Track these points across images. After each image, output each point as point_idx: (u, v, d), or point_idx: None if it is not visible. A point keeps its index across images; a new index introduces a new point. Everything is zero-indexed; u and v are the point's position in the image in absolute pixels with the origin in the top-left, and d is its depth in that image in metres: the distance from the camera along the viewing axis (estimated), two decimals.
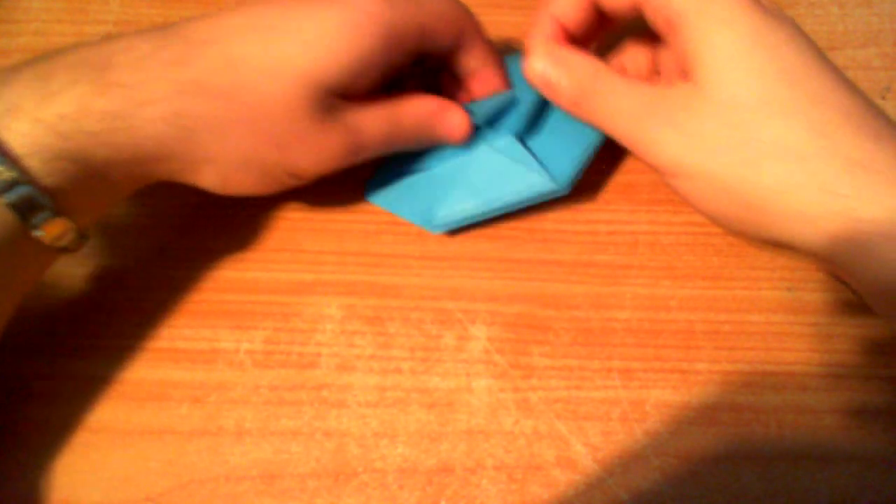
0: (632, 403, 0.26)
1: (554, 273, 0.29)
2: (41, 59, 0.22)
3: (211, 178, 0.25)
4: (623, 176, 0.31)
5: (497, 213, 0.28)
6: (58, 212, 0.22)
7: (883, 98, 0.33)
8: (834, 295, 0.28)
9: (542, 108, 0.29)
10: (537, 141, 0.29)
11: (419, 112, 0.27)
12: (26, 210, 0.21)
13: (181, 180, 0.25)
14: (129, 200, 0.30)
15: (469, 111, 0.28)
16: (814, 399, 0.26)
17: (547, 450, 0.25)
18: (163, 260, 0.29)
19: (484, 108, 0.29)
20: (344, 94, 0.25)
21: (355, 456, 0.25)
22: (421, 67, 0.30)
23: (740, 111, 0.23)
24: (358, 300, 0.28)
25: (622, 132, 0.25)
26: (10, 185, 0.20)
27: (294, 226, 0.30)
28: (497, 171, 0.28)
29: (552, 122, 0.29)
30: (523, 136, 0.29)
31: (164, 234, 0.29)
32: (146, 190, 0.26)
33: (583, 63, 0.26)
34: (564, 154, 0.28)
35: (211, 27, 0.23)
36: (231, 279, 0.28)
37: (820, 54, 0.23)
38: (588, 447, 0.25)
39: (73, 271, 0.28)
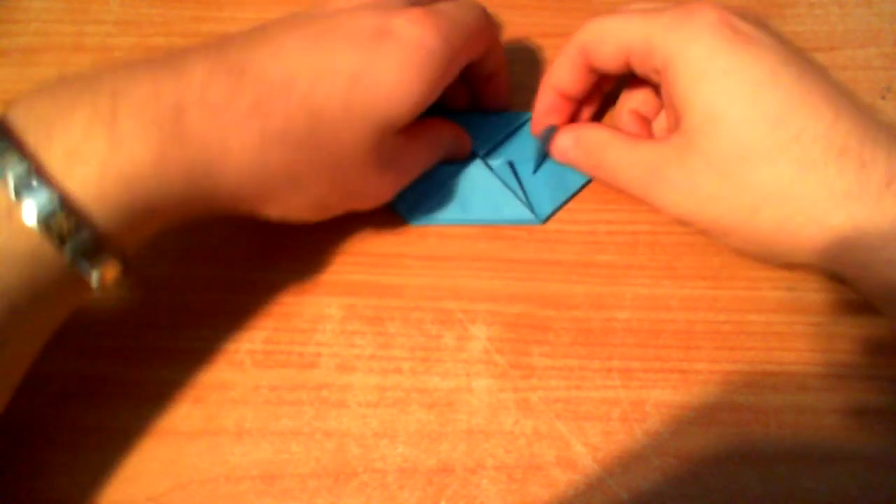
0: (632, 403, 0.26)
1: (554, 273, 0.29)
2: (87, 84, 0.20)
3: (272, 215, 0.25)
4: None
5: (472, 224, 0.30)
6: (112, 255, 0.21)
7: (883, 98, 0.33)
8: (834, 295, 0.28)
9: (528, 146, 0.31)
10: (527, 172, 0.31)
11: (447, 140, 0.29)
12: (86, 257, 0.20)
13: (241, 214, 0.24)
14: None
15: (471, 125, 0.31)
16: (814, 399, 0.26)
17: (547, 450, 0.25)
18: (162, 260, 0.29)
19: (484, 130, 0.31)
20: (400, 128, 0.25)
21: (355, 456, 0.25)
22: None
23: (729, 161, 0.23)
24: (358, 300, 0.28)
25: (635, 192, 0.27)
26: (72, 234, 0.19)
27: (294, 226, 0.30)
28: (483, 188, 0.30)
29: (546, 162, 0.31)
30: (515, 164, 0.31)
31: (164, 234, 0.29)
32: None
33: (594, 136, 0.28)
34: (549, 191, 0.30)
35: (286, 66, 0.22)
36: (231, 279, 0.28)
37: (801, 74, 0.23)
38: (588, 447, 0.25)
39: None
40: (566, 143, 0.29)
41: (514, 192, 0.30)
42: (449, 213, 0.30)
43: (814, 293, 0.28)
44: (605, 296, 0.28)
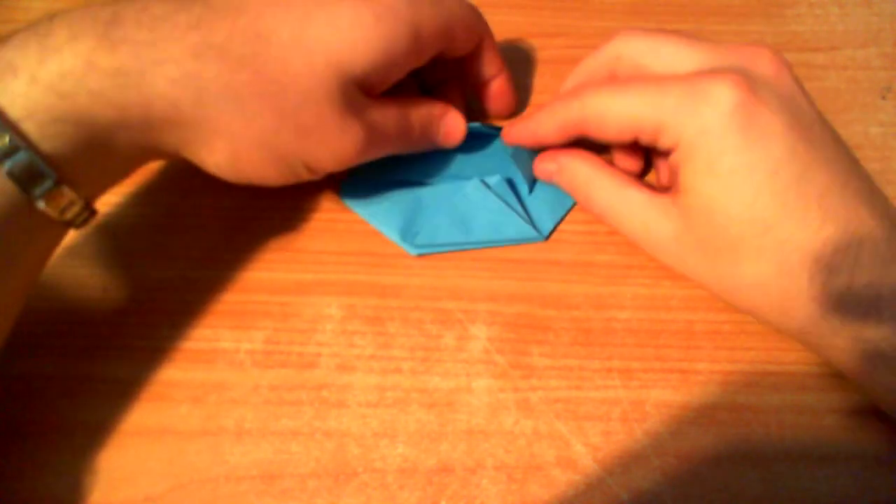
0: (632, 403, 0.26)
1: (554, 273, 0.29)
2: (42, 19, 0.20)
3: (222, 156, 0.23)
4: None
5: (475, 247, 0.29)
6: (60, 181, 0.20)
7: (883, 98, 0.33)
8: None
9: (525, 162, 0.30)
10: (525, 190, 0.30)
11: (427, 113, 0.28)
12: (27, 180, 0.19)
13: (190, 156, 0.23)
14: (127, 200, 0.30)
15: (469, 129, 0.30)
16: (814, 399, 0.26)
17: (547, 450, 0.25)
18: (162, 260, 0.29)
19: (483, 131, 0.30)
20: (365, 90, 0.25)
21: (355, 456, 0.25)
22: (419, 80, 0.30)
23: (718, 251, 0.25)
24: (358, 300, 0.28)
25: (616, 227, 0.28)
26: (8, 153, 0.19)
27: (294, 226, 0.30)
28: (484, 208, 0.29)
29: (533, 178, 0.30)
30: (514, 180, 0.30)
31: (163, 234, 0.29)
32: (146, 190, 0.25)
33: (577, 170, 0.28)
34: (548, 206, 0.30)
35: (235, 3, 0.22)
36: (231, 279, 0.28)
37: (803, 171, 0.23)
38: (588, 447, 0.25)
39: (74, 272, 0.28)
40: (550, 167, 0.29)
41: (515, 210, 0.29)
42: (452, 237, 0.29)
43: None
44: (605, 296, 0.28)
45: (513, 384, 0.27)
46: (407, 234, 0.29)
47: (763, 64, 0.24)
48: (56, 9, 0.36)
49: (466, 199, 0.30)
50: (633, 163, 0.30)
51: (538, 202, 0.30)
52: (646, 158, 0.30)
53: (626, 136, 0.25)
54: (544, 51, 0.35)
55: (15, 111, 0.19)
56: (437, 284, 0.29)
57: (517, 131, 0.28)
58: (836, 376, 0.26)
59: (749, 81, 0.23)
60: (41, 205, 0.20)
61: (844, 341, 0.23)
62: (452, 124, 0.29)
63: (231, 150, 0.23)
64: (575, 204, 0.30)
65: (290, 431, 0.26)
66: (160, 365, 0.27)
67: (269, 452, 0.25)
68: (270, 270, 0.29)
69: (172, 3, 0.21)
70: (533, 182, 0.30)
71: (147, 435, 0.26)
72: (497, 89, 0.30)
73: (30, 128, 0.19)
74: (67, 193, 0.21)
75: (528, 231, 0.29)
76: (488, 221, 0.29)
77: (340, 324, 0.28)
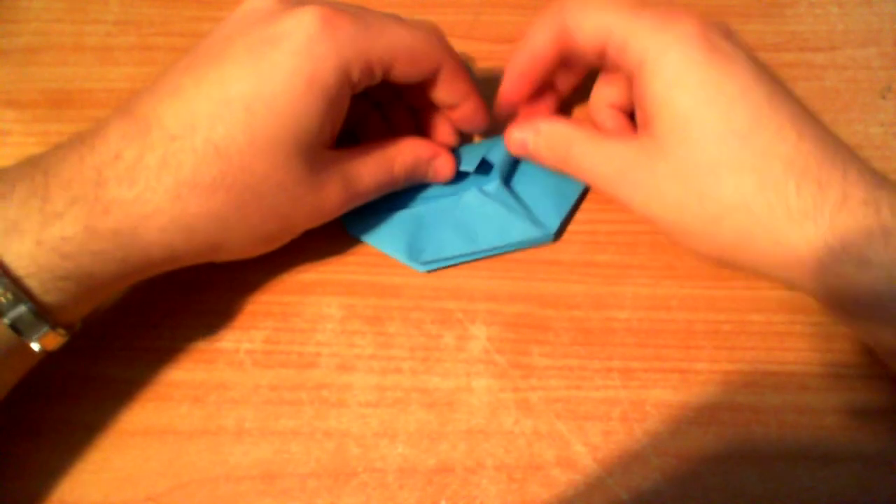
0: (632, 403, 0.26)
1: (554, 273, 0.29)
2: (29, 166, 0.22)
3: (222, 258, 0.25)
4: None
5: (483, 256, 0.29)
6: (56, 325, 0.22)
7: (883, 98, 0.33)
8: None
9: (523, 166, 0.30)
10: (524, 189, 0.30)
11: (413, 157, 0.28)
12: (26, 328, 0.21)
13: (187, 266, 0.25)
14: None
15: (457, 155, 0.30)
16: (814, 399, 0.26)
17: (547, 450, 0.25)
18: None
19: (472, 154, 0.30)
20: (326, 144, 0.25)
21: (355, 456, 0.25)
22: (401, 100, 0.30)
23: (696, 171, 0.24)
24: (358, 300, 0.28)
25: (600, 188, 0.27)
26: (11, 306, 0.21)
27: None
28: (485, 215, 0.29)
29: (539, 172, 0.30)
30: (511, 182, 0.30)
31: None
32: None
33: (557, 131, 0.28)
34: (552, 203, 0.30)
35: (185, 109, 0.22)
36: (231, 279, 0.28)
37: (771, 93, 0.24)
38: (588, 447, 0.25)
39: None
40: (524, 135, 0.28)
41: (517, 213, 0.29)
42: (458, 249, 0.29)
43: None
44: (605, 296, 0.28)
45: (513, 384, 0.27)
46: (413, 252, 0.29)
47: (720, 24, 0.25)
48: (55, 8, 0.36)
49: (467, 209, 0.29)
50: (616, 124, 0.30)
51: (541, 200, 0.30)
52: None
53: (598, 45, 0.26)
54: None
55: (20, 269, 0.21)
56: (437, 284, 0.29)
57: (510, 68, 0.29)
58: (837, 376, 0.27)
59: (707, 26, 0.25)
60: (35, 346, 0.22)
61: (847, 268, 0.22)
62: (442, 165, 0.29)
63: (223, 255, 0.25)
64: (578, 196, 0.30)
65: (290, 431, 0.26)
66: (160, 365, 0.27)
67: (269, 452, 0.25)
68: (270, 270, 0.29)
69: (137, 141, 0.22)
70: (511, 162, 0.30)
71: (147, 435, 0.26)
72: (462, 115, 0.29)
73: (33, 284, 0.21)
74: (61, 334, 0.22)
75: (535, 231, 0.29)
76: (492, 228, 0.29)
77: (340, 324, 0.28)
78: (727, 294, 0.28)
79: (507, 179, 0.30)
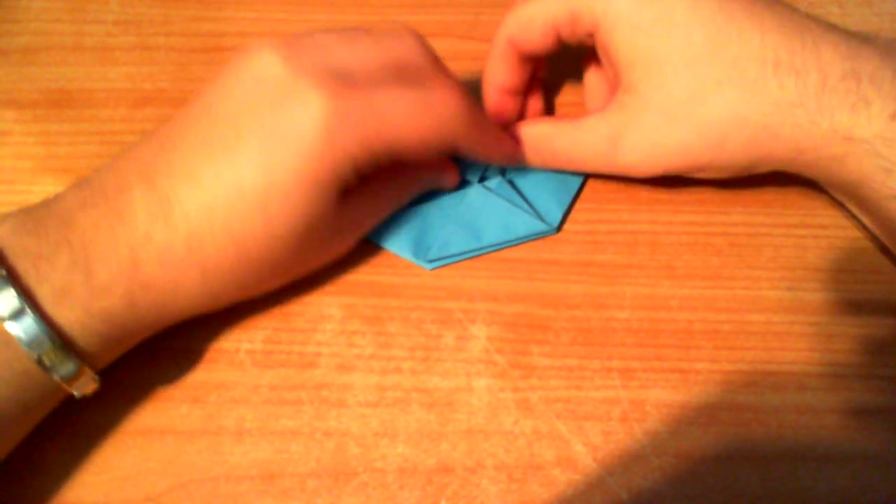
0: (632, 403, 0.26)
1: (553, 273, 0.29)
2: (60, 224, 0.22)
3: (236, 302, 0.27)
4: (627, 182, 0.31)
5: (488, 251, 0.29)
6: (96, 374, 0.23)
7: None
8: (834, 295, 0.28)
9: None
10: (526, 182, 0.30)
11: (419, 180, 0.29)
12: (71, 381, 0.22)
13: None
14: None
15: (461, 163, 0.30)
16: (814, 399, 0.26)
17: (547, 450, 0.25)
18: None
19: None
20: (337, 211, 0.25)
21: (355, 456, 0.25)
22: None
23: (681, 104, 0.25)
24: (358, 300, 0.28)
25: (597, 170, 0.28)
26: (61, 365, 0.22)
27: None
28: (489, 210, 0.29)
29: (534, 172, 0.30)
30: (512, 177, 0.30)
31: None
32: None
33: (535, 132, 0.28)
34: (553, 196, 0.30)
35: (203, 194, 0.23)
36: None
37: (723, 2, 0.24)
38: (588, 447, 0.25)
39: None
40: (512, 148, 0.29)
41: (520, 207, 0.29)
42: (463, 245, 0.29)
43: (814, 293, 0.28)
44: (605, 296, 0.28)
45: (513, 384, 0.27)
46: (419, 250, 0.29)
47: None
48: (55, 8, 0.36)
49: (471, 206, 0.29)
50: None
51: (542, 194, 0.30)
52: None
53: (550, 35, 0.27)
54: (507, 15, 0.35)
55: (70, 332, 0.22)
56: (437, 284, 0.29)
57: (486, 97, 0.30)
58: (837, 376, 0.27)
59: None
60: (77, 394, 0.23)
61: (837, 147, 0.23)
62: (446, 179, 0.29)
63: (244, 299, 0.27)
64: (579, 187, 0.30)
65: (290, 431, 0.26)
66: (160, 365, 0.27)
67: (269, 452, 0.25)
68: None
69: (162, 222, 0.23)
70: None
71: (147, 435, 0.26)
72: (491, 160, 0.28)
73: (80, 344, 0.22)
74: (97, 380, 0.23)
75: (538, 225, 0.29)
76: (497, 224, 0.29)
77: (340, 324, 0.28)
78: (727, 294, 0.28)
79: (508, 174, 0.30)
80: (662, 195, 0.30)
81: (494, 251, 0.29)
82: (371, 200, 0.27)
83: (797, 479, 0.25)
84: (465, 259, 0.29)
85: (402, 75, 0.24)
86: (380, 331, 0.28)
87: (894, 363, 0.27)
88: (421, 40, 0.26)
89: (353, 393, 0.26)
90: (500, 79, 0.29)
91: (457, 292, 0.28)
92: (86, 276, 0.22)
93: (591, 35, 0.26)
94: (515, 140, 0.29)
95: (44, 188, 0.31)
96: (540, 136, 0.28)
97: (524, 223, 0.29)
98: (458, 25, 0.36)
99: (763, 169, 0.26)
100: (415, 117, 0.24)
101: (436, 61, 0.26)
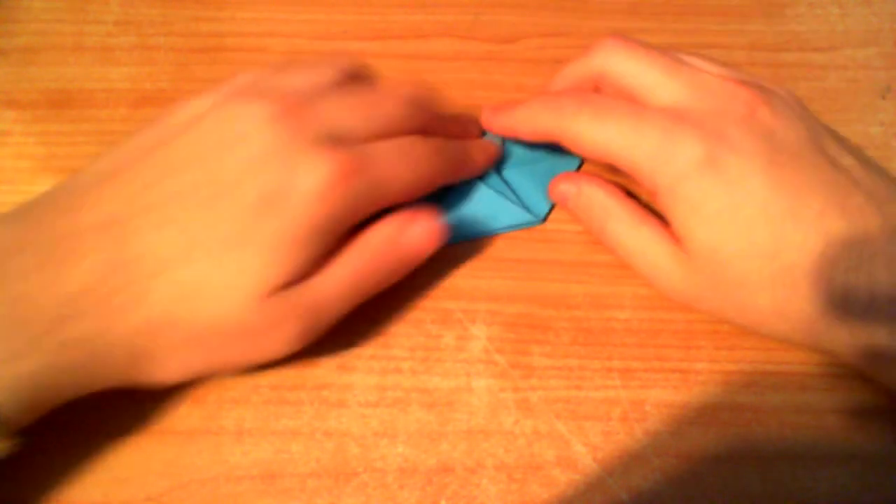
0: (632, 403, 0.26)
1: (554, 273, 0.29)
2: None
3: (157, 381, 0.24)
4: (623, 176, 0.31)
5: (475, 238, 0.29)
6: (6, 437, 0.21)
7: (883, 98, 0.33)
8: None
9: (514, 149, 0.31)
10: (515, 174, 0.31)
11: (380, 249, 0.25)
12: None
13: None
14: None
15: None
16: (814, 399, 0.26)
17: (547, 450, 0.25)
18: None
19: None
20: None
21: (355, 456, 0.25)
22: None
23: (730, 286, 0.25)
24: None
25: (628, 262, 0.28)
26: None
27: None
28: (476, 201, 0.30)
29: (529, 160, 0.31)
30: (502, 168, 0.31)
31: None
32: None
33: (596, 198, 0.28)
34: (541, 188, 0.30)
35: (160, 245, 0.22)
36: None
37: (793, 195, 0.23)
38: (588, 447, 0.25)
39: None
40: (569, 190, 0.29)
41: (507, 198, 0.30)
42: (452, 234, 0.29)
43: None
44: (605, 296, 0.28)
45: (513, 384, 0.27)
46: None
47: (738, 106, 0.25)
48: (55, 8, 0.36)
49: (458, 195, 0.30)
50: None
51: (530, 186, 0.30)
52: None
53: (601, 160, 0.27)
54: (544, 51, 0.35)
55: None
56: (437, 284, 0.29)
57: (498, 121, 0.29)
58: (837, 376, 0.26)
59: (717, 131, 0.24)
60: None
61: (857, 340, 0.23)
62: (415, 235, 0.26)
63: (167, 383, 0.24)
64: None
65: (290, 431, 0.26)
66: None
67: (269, 452, 0.25)
68: None
69: (115, 276, 0.21)
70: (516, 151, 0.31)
71: (147, 435, 0.26)
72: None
73: (4, 413, 0.20)
74: (11, 442, 0.22)
75: (524, 216, 0.30)
76: (482, 214, 0.29)
77: (340, 323, 0.28)
78: None
79: (497, 167, 0.31)
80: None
81: (479, 238, 0.29)
82: (328, 278, 0.24)
83: (797, 479, 0.25)
84: (451, 245, 0.29)
85: (387, 130, 0.25)
86: (380, 331, 0.28)
87: None
88: (407, 93, 0.27)
89: (353, 393, 0.26)
90: (522, 136, 0.29)
91: (457, 292, 0.28)
92: (9, 334, 0.20)
93: (648, 190, 0.26)
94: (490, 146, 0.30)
95: (44, 188, 0.30)
96: (599, 206, 0.28)
97: (510, 214, 0.30)
98: (458, 25, 0.36)
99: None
100: (410, 182, 0.25)
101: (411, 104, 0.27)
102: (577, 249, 0.29)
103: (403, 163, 0.25)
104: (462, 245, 0.29)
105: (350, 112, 0.25)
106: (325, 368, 0.27)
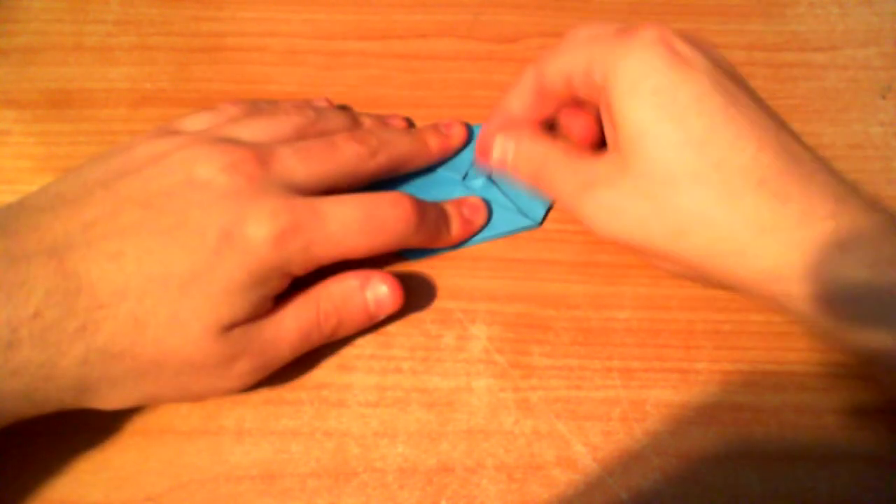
0: (632, 403, 0.26)
1: (554, 273, 0.29)
2: None
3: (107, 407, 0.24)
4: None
5: (473, 244, 0.29)
6: None
7: (883, 98, 0.33)
8: None
9: None
10: (508, 181, 0.30)
11: (336, 301, 0.25)
12: None
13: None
14: None
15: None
16: (814, 399, 0.26)
17: (547, 450, 0.25)
18: None
19: (457, 159, 0.31)
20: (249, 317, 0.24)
21: (355, 456, 0.25)
22: None
23: (654, 183, 0.24)
24: None
25: (566, 207, 0.27)
26: None
27: None
28: None
29: None
30: (495, 178, 0.31)
31: None
32: None
33: (533, 149, 0.28)
34: (535, 193, 0.30)
35: (120, 277, 0.21)
36: None
37: (731, 101, 0.23)
38: (588, 447, 0.25)
39: None
40: (506, 150, 0.29)
41: (503, 206, 0.30)
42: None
43: None
44: (605, 296, 0.28)
45: (513, 384, 0.27)
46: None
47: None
48: (55, 8, 0.36)
49: None
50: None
51: (524, 192, 0.30)
52: None
53: (563, 86, 0.27)
54: (544, 51, 0.35)
55: None
56: (437, 284, 0.29)
57: (493, 118, 0.30)
58: (837, 376, 0.26)
59: (670, 30, 0.25)
60: None
61: (816, 286, 0.22)
62: (377, 294, 0.26)
63: (114, 408, 0.24)
64: None
65: (290, 431, 0.26)
66: None
67: (269, 452, 0.25)
68: None
69: (62, 304, 0.21)
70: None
71: (147, 435, 0.26)
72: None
73: None
74: None
75: (521, 221, 0.30)
76: None
77: None
78: (727, 294, 0.28)
79: (490, 173, 0.31)
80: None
81: (476, 244, 0.29)
82: (277, 321, 0.24)
83: (797, 479, 0.25)
84: (449, 251, 0.29)
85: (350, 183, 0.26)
86: (380, 331, 0.28)
87: None
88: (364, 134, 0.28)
89: (353, 393, 0.26)
90: (513, 105, 0.29)
91: (457, 292, 0.28)
92: None
93: (599, 94, 0.26)
94: (469, 219, 0.29)
95: None
96: (537, 154, 0.28)
97: (507, 221, 0.30)
98: (458, 25, 0.36)
99: (727, 285, 0.25)
100: (361, 234, 0.25)
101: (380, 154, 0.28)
102: (577, 249, 0.29)
103: (358, 224, 0.25)
104: (462, 245, 0.29)
105: (307, 164, 0.25)
106: (325, 368, 0.27)
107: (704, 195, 0.23)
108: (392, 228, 0.25)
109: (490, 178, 0.30)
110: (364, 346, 0.27)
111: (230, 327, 0.23)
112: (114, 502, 0.24)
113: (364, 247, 0.25)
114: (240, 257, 0.23)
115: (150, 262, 0.22)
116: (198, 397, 0.25)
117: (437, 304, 0.28)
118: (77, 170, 0.24)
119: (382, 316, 0.26)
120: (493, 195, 0.30)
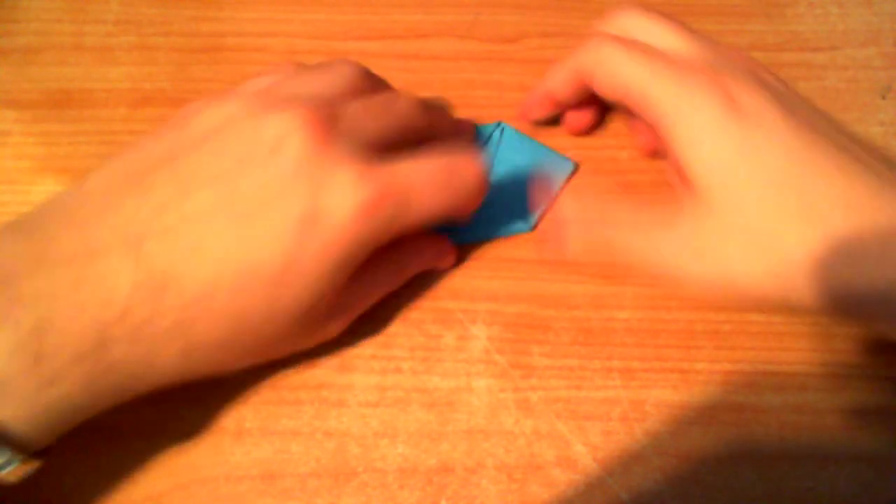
0: (632, 403, 0.26)
1: (554, 273, 0.29)
2: (10, 303, 0.19)
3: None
4: (623, 175, 0.31)
5: (466, 243, 0.29)
6: (33, 457, 0.21)
7: (883, 98, 0.33)
8: None
9: (507, 156, 0.31)
10: (504, 185, 0.30)
11: (420, 263, 0.28)
12: (3, 469, 0.20)
13: None
14: None
15: None
16: (814, 399, 0.26)
17: (547, 450, 0.25)
18: None
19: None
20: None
21: (355, 456, 0.25)
22: None
23: (750, 228, 0.23)
24: None
25: (647, 272, 0.26)
26: (4, 465, 0.20)
27: None
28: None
29: (515, 167, 0.31)
30: (491, 178, 0.30)
31: None
32: None
33: (582, 214, 0.27)
34: (529, 196, 0.30)
35: (207, 271, 0.21)
36: None
37: (812, 144, 0.23)
38: (588, 447, 0.25)
39: None
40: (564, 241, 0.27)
41: (497, 208, 0.30)
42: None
43: None
44: (605, 296, 0.28)
45: (513, 384, 0.27)
46: None
47: (743, 63, 0.26)
48: (55, 8, 0.36)
49: None
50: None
51: (519, 195, 0.30)
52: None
53: (617, 94, 0.27)
54: (544, 51, 0.35)
55: (10, 428, 0.19)
56: (437, 284, 0.29)
57: (532, 94, 0.30)
58: (837, 376, 0.27)
59: (730, 77, 0.24)
60: (9, 478, 0.21)
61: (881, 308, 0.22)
62: (444, 257, 0.28)
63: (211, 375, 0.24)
64: (561, 188, 0.31)
65: (290, 431, 0.26)
66: None
67: (269, 452, 0.25)
68: None
69: (151, 301, 0.20)
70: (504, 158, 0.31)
71: (147, 435, 0.26)
72: None
73: (21, 437, 0.20)
74: (32, 464, 0.21)
75: (515, 225, 0.30)
76: (473, 222, 0.29)
77: None
78: None
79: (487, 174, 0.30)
80: (663, 195, 0.30)
81: (486, 251, 0.29)
82: (368, 283, 0.26)
83: (797, 479, 0.25)
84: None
85: (405, 134, 0.25)
86: (380, 331, 0.28)
87: (894, 363, 0.27)
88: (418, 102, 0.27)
89: (353, 393, 0.26)
90: (554, 89, 0.29)
91: (457, 292, 0.28)
92: (34, 363, 0.19)
93: (655, 126, 0.26)
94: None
95: (44, 188, 0.31)
96: (590, 222, 0.27)
97: (501, 223, 0.30)
98: (458, 25, 0.36)
99: (824, 312, 0.23)
100: (440, 192, 0.24)
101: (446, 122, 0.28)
102: None
103: (438, 185, 0.24)
104: (462, 245, 0.29)
105: (374, 118, 0.24)
106: (325, 368, 0.27)
107: (808, 234, 0.22)
108: (473, 186, 0.25)
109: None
110: (364, 346, 0.27)
111: (324, 301, 0.23)
112: (114, 502, 0.24)
113: (446, 206, 0.24)
114: (328, 236, 0.22)
115: (236, 255, 0.21)
116: (288, 354, 0.26)
117: (438, 304, 0.28)
118: (136, 146, 0.23)
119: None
120: (490, 196, 0.30)
